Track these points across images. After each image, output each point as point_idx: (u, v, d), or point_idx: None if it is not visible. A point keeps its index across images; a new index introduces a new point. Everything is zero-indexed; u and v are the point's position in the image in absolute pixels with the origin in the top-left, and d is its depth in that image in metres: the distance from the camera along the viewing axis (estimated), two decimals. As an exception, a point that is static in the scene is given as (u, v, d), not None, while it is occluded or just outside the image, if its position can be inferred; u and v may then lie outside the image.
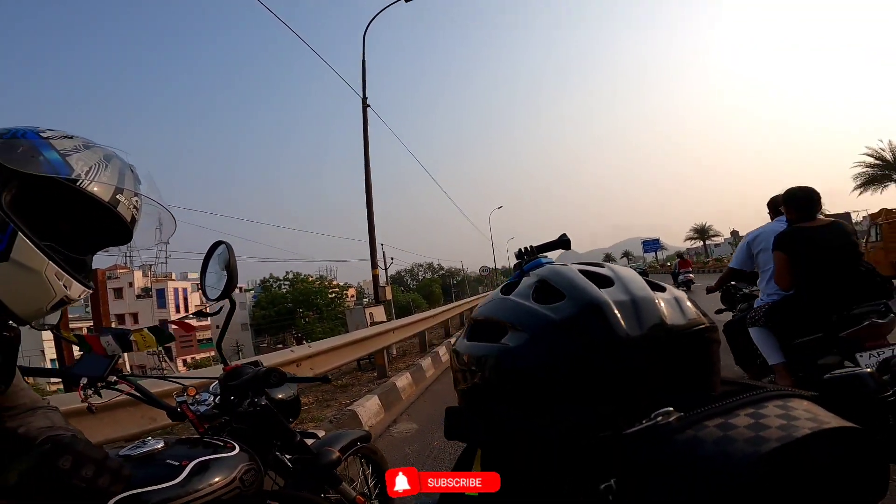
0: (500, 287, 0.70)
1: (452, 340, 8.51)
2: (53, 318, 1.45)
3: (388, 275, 11.75)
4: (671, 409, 0.44)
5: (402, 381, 5.62)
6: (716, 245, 70.30)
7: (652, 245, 57.79)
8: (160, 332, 1.59)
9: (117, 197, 0.85)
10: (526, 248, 0.76)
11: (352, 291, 54.74)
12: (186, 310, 40.27)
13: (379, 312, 9.54)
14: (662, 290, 0.56)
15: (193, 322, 1.83)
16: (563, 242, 0.83)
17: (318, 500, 1.34)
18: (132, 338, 1.42)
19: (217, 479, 0.96)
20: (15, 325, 0.96)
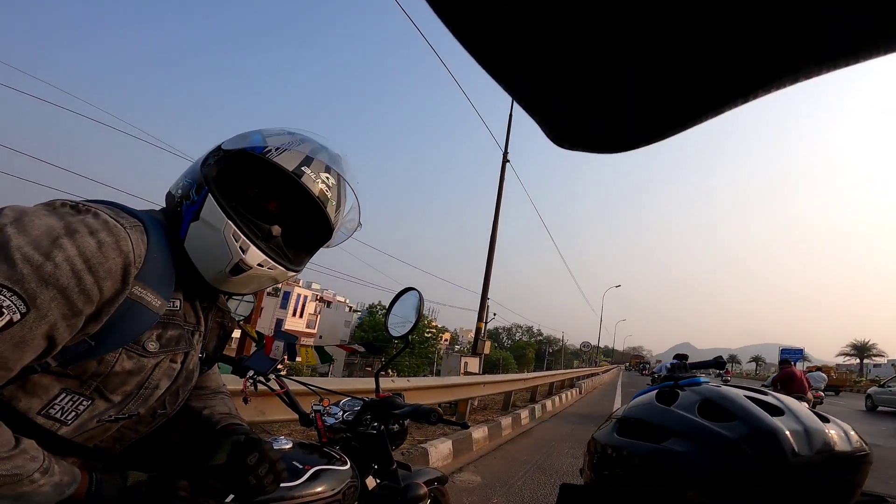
0: (648, 391, 0.75)
1: (537, 411, 8.16)
2: (245, 310, 1.79)
3: (487, 328, 11.67)
4: None
5: (479, 433, 5.55)
6: (875, 365, 58.40)
7: (793, 354, 49.82)
8: (323, 354, 1.85)
9: (302, 168, 0.87)
10: (681, 363, 0.80)
11: (447, 336, 55.08)
12: (301, 315, 43.83)
13: (473, 363, 9.59)
14: (828, 420, 0.62)
15: (356, 346, 2.06)
16: (718, 364, 0.88)
17: None
18: (298, 349, 1.66)
19: (327, 489, 1.03)
20: (234, 318, 1.09)
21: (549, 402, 9.94)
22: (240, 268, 0.83)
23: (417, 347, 39.09)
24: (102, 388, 0.75)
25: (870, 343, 58.95)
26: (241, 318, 1.61)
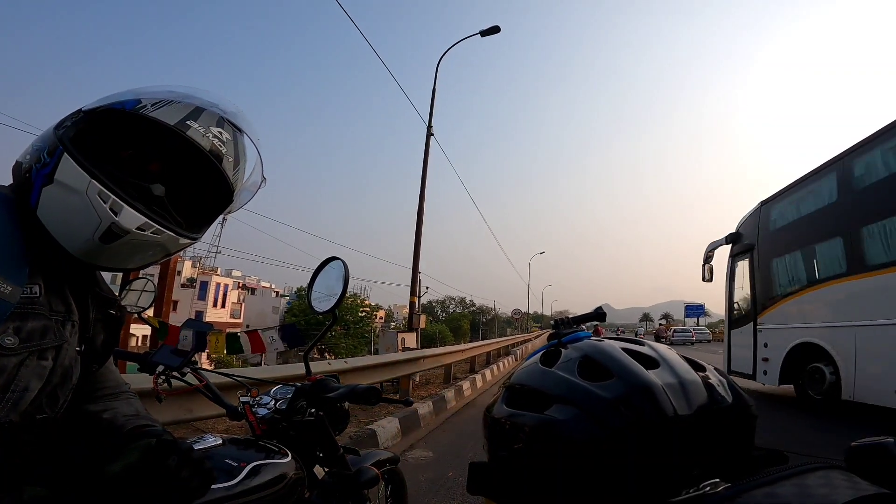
0: (535, 356, 0.72)
1: (478, 381, 8.48)
2: (146, 301, 1.58)
3: (421, 303, 11.76)
4: (718, 479, 0.49)
5: (424, 408, 5.61)
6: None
7: (695, 310, 55.56)
8: (233, 342, 1.68)
9: (187, 122, 0.77)
10: (563, 320, 0.78)
11: (381, 313, 55.09)
12: (224, 305, 41.61)
13: (411, 339, 9.61)
14: (704, 369, 0.61)
15: (268, 342, 1.92)
16: (598, 315, 0.85)
17: None
18: (208, 337, 1.51)
19: (268, 484, 0.97)
20: (124, 306, 1.01)
21: (488, 372, 10.25)
22: (113, 233, 0.72)
23: (352, 328, 38.86)
24: None
25: None
26: (140, 309, 1.40)
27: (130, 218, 0.73)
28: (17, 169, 0.77)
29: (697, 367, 0.61)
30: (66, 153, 0.71)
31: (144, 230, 0.75)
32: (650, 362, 0.60)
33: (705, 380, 0.58)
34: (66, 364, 0.78)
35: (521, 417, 0.61)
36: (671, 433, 0.52)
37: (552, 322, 0.82)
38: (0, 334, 0.67)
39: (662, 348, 0.65)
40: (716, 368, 0.64)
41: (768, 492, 0.45)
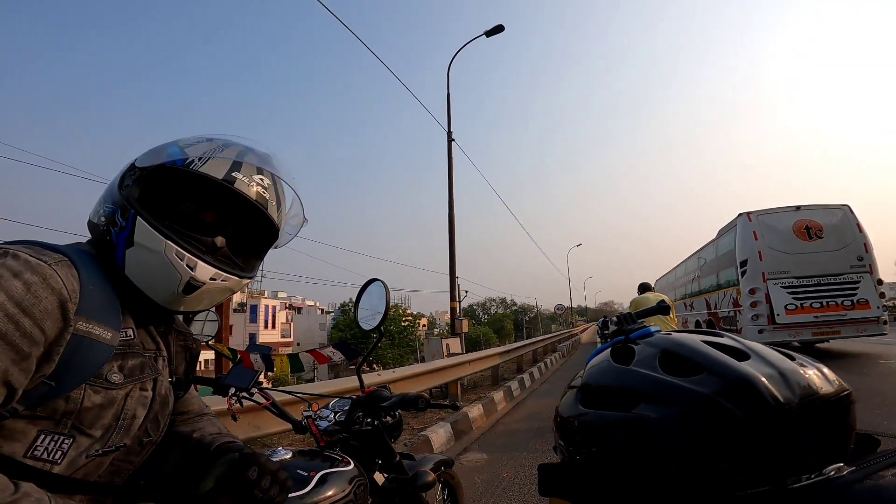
0: (600, 351, 0.71)
1: (526, 381, 8.38)
2: (211, 330, 1.74)
3: (461, 307, 11.81)
4: (842, 464, 0.49)
5: (474, 411, 5.65)
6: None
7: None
8: (296, 361, 1.81)
9: (233, 175, 0.84)
10: (627, 314, 0.76)
11: (424, 321, 55.40)
12: (274, 326, 43.00)
13: (455, 344, 9.68)
14: (794, 359, 0.59)
15: (331, 354, 2.04)
16: (661, 309, 0.83)
17: None
18: (273, 359, 1.62)
19: (337, 491, 1.02)
20: (198, 339, 1.12)
21: (535, 370, 10.17)
22: (192, 286, 0.82)
23: (397, 337, 39.23)
24: (79, 425, 0.75)
25: None
26: (208, 338, 1.55)
27: (204, 271, 0.82)
28: (94, 228, 0.86)
29: (788, 357, 0.59)
30: (139, 217, 0.80)
31: (216, 279, 0.85)
32: (739, 354, 0.58)
33: (802, 368, 0.57)
34: (164, 393, 0.89)
35: (606, 417, 0.59)
36: (779, 423, 0.51)
37: (614, 318, 0.78)
38: (107, 372, 0.77)
39: (751, 342, 0.62)
40: (807, 357, 0.61)
41: None
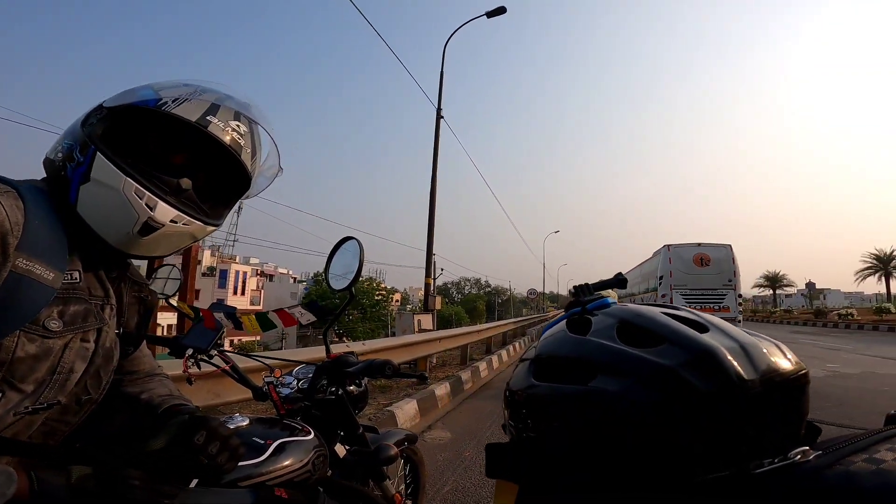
0: (556, 323, 0.67)
1: (494, 362, 8.55)
2: (172, 288, 1.65)
3: (436, 284, 11.84)
4: (807, 447, 0.46)
5: (441, 389, 5.68)
6: (787, 295, 64.81)
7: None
8: (265, 321, 1.74)
9: (208, 118, 0.81)
10: (583, 286, 0.73)
11: (397, 296, 55.52)
12: (244, 293, 42.38)
13: (427, 320, 9.71)
14: (755, 336, 0.56)
15: (297, 315, 1.98)
16: (619, 281, 0.79)
17: (364, 491, 1.30)
18: (241, 319, 1.55)
19: (294, 461, 1.00)
20: (154, 290, 1.01)
21: (504, 353, 10.31)
22: (150, 226, 0.77)
23: (369, 311, 39.22)
24: (9, 378, 0.69)
25: (781, 274, 61.31)
26: (166, 296, 1.46)
27: (165, 212, 0.78)
28: (49, 165, 0.81)
29: (751, 334, 0.56)
30: (98, 152, 0.75)
31: (177, 222, 0.80)
32: (698, 326, 0.55)
33: (762, 342, 0.54)
34: (108, 346, 0.83)
35: (559, 391, 0.55)
36: (743, 398, 0.48)
37: (570, 290, 0.77)
38: (45, 318, 0.71)
39: (709, 316, 0.59)
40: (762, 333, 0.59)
41: (868, 458, 0.43)
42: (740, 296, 14.16)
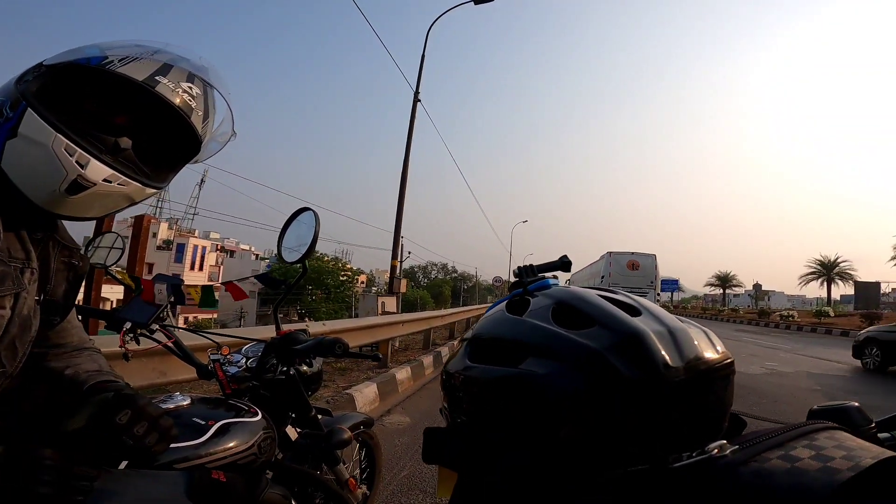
0: (498, 304, 0.66)
1: (457, 347, 8.54)
2: (114, 259, 1.53)
3: (402, 268, 11.80)
4: (725, 441, 0.45)
5: (402, 373, 5.68)
6: (735, 295, 68.35)
7: (670, 285, 56.88)
8: (209, 295, 1.64)
9: (157, 78, 0.77)
10: (526, 267, 0.72)
11: (363, 277, 55.05)
12: (201, 268, 40.99)
13: (391, 303, 9.65)
14: (685, 322, 0.56)
15: (244, 289, 1.88)
16: (564, 264, 0.78)
17: (315, 475, 1.33)
18: (187, 291, 1.45)
19: (238, 443, 0.96)
20: (87, 257, 0.95)
21: (466, 337, 10.38)
22: (79, 185, 0.73)
23: (333, 292, 38.79)
24: None
25: (731, 274, 62.76)
26: (104, 266, 1.35)
27: (97, 170, 0.74)
28: None
29: (681, 319, 0.55)
30: (29, 108, 0.71)
31: (111, 182, 0.76)
32: (631, 310, 0.54)
33: (691, 328, 0.53)
34: (25, 314, 0.76)
35: (491, 373, 0.54)
36: (666, 386, 0.47)
37: (515, 269, 0.77)
38: None
39: (642, 299, 0.59)
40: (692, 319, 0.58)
41: (784, 455, 0.42)
42: (658, 295, 19.68)
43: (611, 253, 21.61)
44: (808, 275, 46.21)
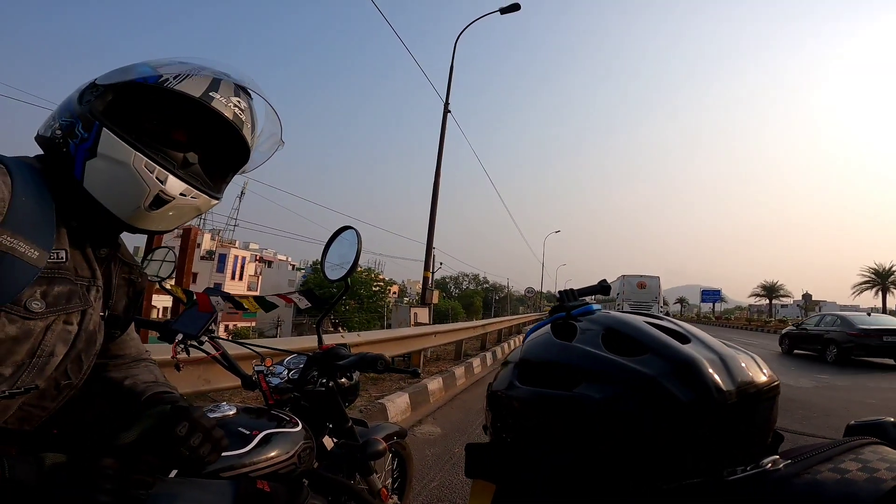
0: (540, 326, 0.68)
1: (488, 359, 8.55)
2: (167, 271, 1.62)
3: (434, 278, 11.91)
4: (777, 456, 0.49)
5: (434, 384, 5.67)
6: (783, 305, 65.12)
7: (712, 295, 54.67)
8: (264, 302, 1.71)
9: (210, 94, 0.81)
10: (568, 291, 0.75)
11: (395, 288, 55.42)
12: (241, 278, 42.36)
13: (423, 314, 9.71)
14: (733, 348, 0.59)
15: (297, 300, 1.96)
16: (603, 289, 0.81)
17: (349, 485, 1.32)
18: (240, 301, 1.52)
19: (280, 453, 0.98)
20: (145, 273, 1.00)
21: (498, 349, 10.31)
22: (161, 200, 0.78)
23: (366, 303, 39.22)
24: None
25: (778, 284, 61.34)
26: (160, 279, 1.44)
27: (175, 185, 0.79)
28: (46, 142, 0.79)
29: (729, 345, 0.59)
30: (105, 128, 0.74)
31: (186, 195, 0.81)
32: (680, 337, 0.57)
33: (739, 355, 0.57)
34: (91, 329, 0.80)
35: (543, 395, 0.57)
36: (719, 408, 0.50)
37: (556, 294, 0.80)
38: (27, 298, 0.69)
39: (686, 324, 0.62)
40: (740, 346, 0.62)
41: (833, 468, 0.45)
42: (662, 308, 23.80)
43: (624, 276, 30.22)
44: (861, 284, 43.85)
